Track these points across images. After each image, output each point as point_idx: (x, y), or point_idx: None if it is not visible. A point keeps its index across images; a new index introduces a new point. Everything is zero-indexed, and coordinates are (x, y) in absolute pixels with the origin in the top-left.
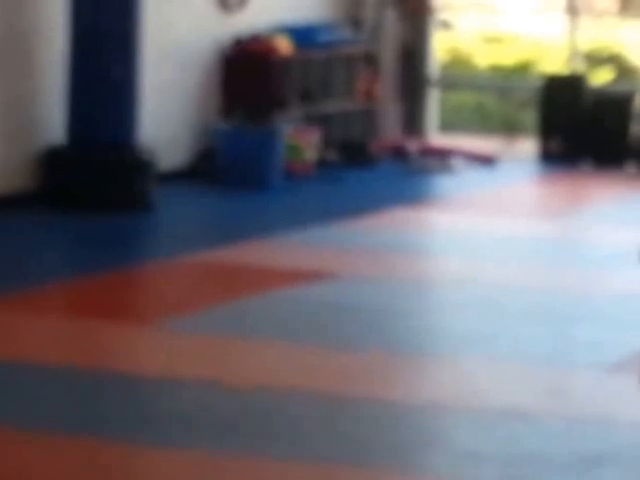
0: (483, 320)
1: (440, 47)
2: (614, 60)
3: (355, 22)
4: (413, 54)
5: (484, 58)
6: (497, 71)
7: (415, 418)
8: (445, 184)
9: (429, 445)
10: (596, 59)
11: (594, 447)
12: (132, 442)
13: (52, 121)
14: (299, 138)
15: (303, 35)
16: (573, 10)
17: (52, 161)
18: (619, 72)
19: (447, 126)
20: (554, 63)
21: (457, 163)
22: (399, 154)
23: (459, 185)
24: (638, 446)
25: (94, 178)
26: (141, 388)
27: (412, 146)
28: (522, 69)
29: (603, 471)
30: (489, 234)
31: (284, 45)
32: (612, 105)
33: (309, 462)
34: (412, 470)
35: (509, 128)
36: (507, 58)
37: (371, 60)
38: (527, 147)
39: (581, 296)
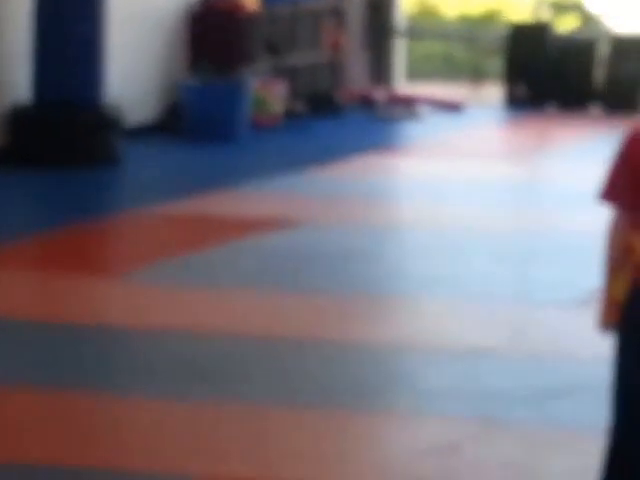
0: (447, 262)
1: None
2: (578, 8)
3: None
4: (379, 6)
5: (451, 8)
6: (464, 21)
7: (381, 358)
8: (412, 131)
9: (394, 384)
10: (561, 7)
11: (552, 382)
12: (101, 392)
13: (19, 81)
14: (266, 90)
15: None
16: None
17: (19, 120)
18: (583, 20)
19: (416, 75)
20: (520, 12)
21: (424, 110)
22: (366, 103)
23: (426, 131)
24: (594, 380)
25: (61, 136)
26: (110, 339)
27: (379, 95)
28: (489, 18)
29: (560, 403)
30: (455, 178)
31: (250, 1)
32: (576, 51)
33: (279, 405)
34: (378, 409)
35: (475, 75)
36: (474, 8)
37: (337, 12)
38: (493, 93)
39: (543, 236)
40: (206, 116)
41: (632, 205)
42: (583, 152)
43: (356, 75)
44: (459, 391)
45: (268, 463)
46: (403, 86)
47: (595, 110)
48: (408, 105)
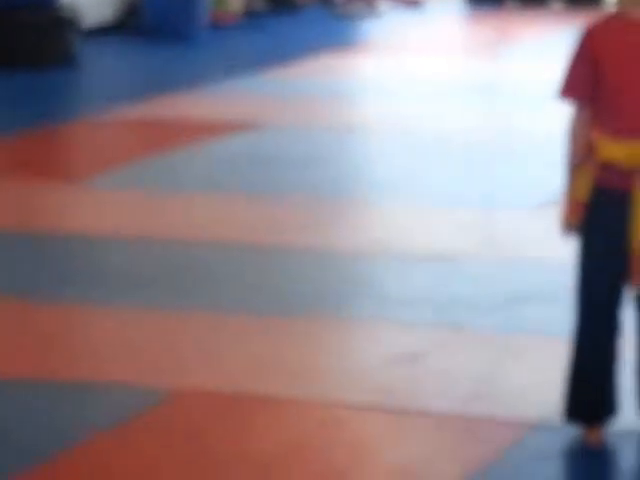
0: (411, 164)
1: None
2: None
3: None
4: None
5: None
6: None
7: (344, 265)
8: (371, 28)
9: (359, 291)
10: None
11: (518, 287)
12: (56, 300)
13: None
14: None
15: None
16: None
17: None
18: None
19: None
20: None
21: (383, 6)
22: (325, 0)
23: (385, 28)
24: (559, 284)
25: (16, 37)
26: (67, 246)
27: None
28: None
29: (526, 309)
30: (416, 77)
31: None
32: None
33: (241, 314)
34: (342, 317)
35: None
36: None
37: None
38: None
39: (505, 136)
40: (164, 15)
41: (592, 99)
42: (544, 48)
43: None
44: (425, 298)
45: (233, 374)
46: None
47: (556, 4)
48: (367, 1)
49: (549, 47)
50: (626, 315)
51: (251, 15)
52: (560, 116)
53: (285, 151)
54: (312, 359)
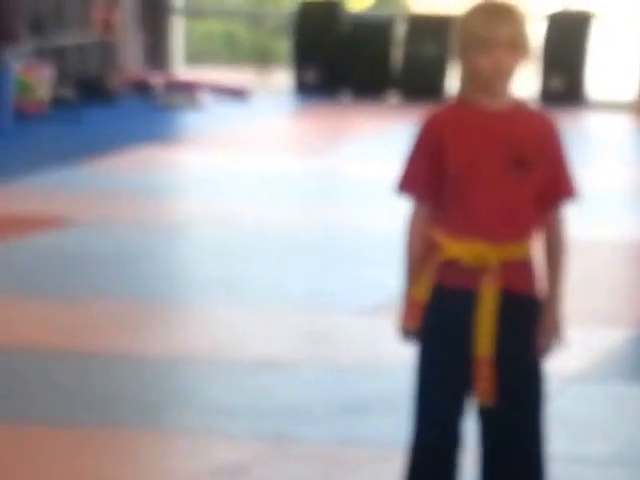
0: (234, 264)
1: None
2: None
3: None
4: None
5: None
6: None
7: (161, 372)
8: (193, 120)
9: (177, 400)
10: None
11: (352, 395)
12: None
13: None
14: (30, 74)
15: None
16: None
17: None
18: None
19: (194, 58)
20: None
21: (206, 97)
22: (142, 89)
23: (209, 121)
24: (396, 392)
25: None
26: None
27: (156, 80)
28: None
29: (359, 418)
30: (241, 173)
31: None
32: (371, 32)
33: (45, 424)
34: (161, 427)
35: (261, 58)
36: None
37: None
38: (282, 78)
39: (339, 235)
40: None
41: (431, 197)
42: (380, 143)
43: (130, 57)
44: (249, 407)
45: None
46: (182, 70)
47: (393, 97)
48: (188, 92)
49: (384, 142)
50: (468, 426)
51: (59, 103)
52: (395, 214)
53: (95, 249)
54: (126, 473)
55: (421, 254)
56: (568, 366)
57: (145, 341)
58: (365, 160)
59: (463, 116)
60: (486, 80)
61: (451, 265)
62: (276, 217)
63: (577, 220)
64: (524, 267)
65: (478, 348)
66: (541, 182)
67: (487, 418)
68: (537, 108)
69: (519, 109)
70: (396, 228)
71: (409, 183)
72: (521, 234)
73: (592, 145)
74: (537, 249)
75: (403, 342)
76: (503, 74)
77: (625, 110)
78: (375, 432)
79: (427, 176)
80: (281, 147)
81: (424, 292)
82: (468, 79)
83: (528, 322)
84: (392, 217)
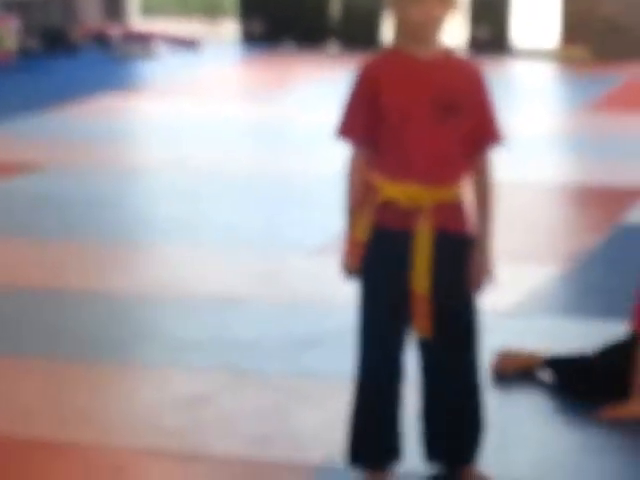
0: (188, 207)
1: None
2: None
3: None
4: None
5: None
6: None
7: (123, 309)
8: (149, 70)
9: (139, 336)
10: None
11: (302, 330)
12: None
13: None
14: None
15: None
16: None
17: None
18: None
19: (149, 10)
20: None
21: (160, 48)
22: (101, 40)
23: (163, 70)
24: (342, 328)
25: None
26: None
27: (114, 31)
28: None
29: (311, 353)
30: (193, 119)
31: None
32: None
33: (16, 358)
34: (124, 362)
35: (210, 10)
36: None
37: None
38: (229, 29)
39: (285, 179)
40: None
41: (369, 141)
42: (321, 91)
43: (89, 9)
44: (208, 342)
45: (11, 418)
46: (138, 22)
47: (332, 47)
48: (144, 42)
49: (326, 90)
50: (409, 359)
51: (25, 54)
52: (337, 158)
53: (63, 193)
54: (94, 404)
55: (360, 196)
56: (500, 302)
57: (110, 280)
58: (309, 106)
59: (396, 64)
60: (417, 30)
61: (388, 207)
62: (228, 162)
63: (504, 163)
64: (456, 208)
65: (415, 285)
66: (469, 127)
67: (426, 351)
68: (464, 57)
69: (448, 58)
70: (336, 172)
71: (347, 128)
72: (452, 177)
73: (518, 92)
74: (468, 192)
75: (347, 280)
76: (433, 24)
77: (548, 58)
78: (325, 365)
79: (364, 121)
80: (230, 94)
81: (363, 232)
82: (400, 29)
83: (462, 260)
84: (336, 161)
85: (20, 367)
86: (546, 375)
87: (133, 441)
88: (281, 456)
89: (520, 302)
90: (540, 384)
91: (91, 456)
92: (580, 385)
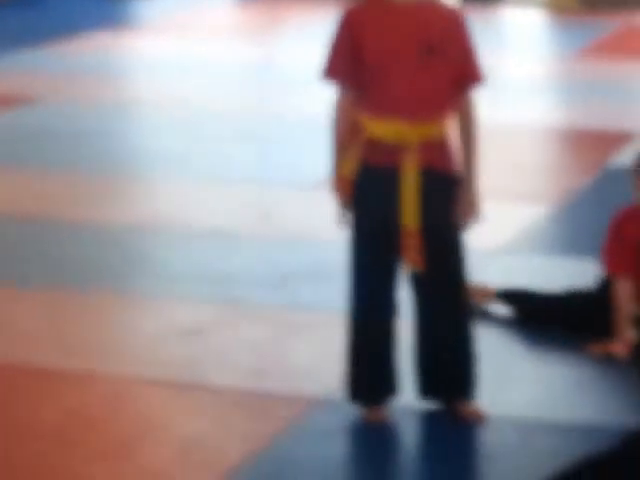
0: (183, 142)
1: None
2: None
3: None
4: None
5: None
6: None
7: (119, 240)
8: (145, 7)
9: (135, 267)
10: None
11: (294, 264)
12: None
13: None
14: None
15: None
16: None
17: None
18: None
19: None
20: None
21: None
22: None
23: (160, 8)
24: (333, 262)
25: None
26: None
27: None
28: None
29: (301, 286)
30: (190, 57)
31: None
32: None
33: (11, 287)
34: (118, 292)
35: None
36: None
37: None
38: None
39: (279, 117)
40: None
41: (354, 81)
42: (316, 32)
43: None
44: (202, 274)
45: (7, 347)
46: None
47: None
48: None
49: (317, 30)
50: (402, 294)
51: None
52: (330, 98)
53: (59, 126)
54: (91, 333)
55: (347, 135)
56: (489, 241)
57: (107, 211)
58: (301, 46)
59: (379, 9)
60: None
61: (375, 144)
62: (220, 99)
63: (495, 106)
64: (442, 146)
65: (404, 220)
66: (451, 68)
67: (417, 286)
68: (444, 2)
69: (429, 2)
70: (327, 112)
71: (332, 70)
72: (436, 114)
73: (507, 38)
74: (453, 132)
75: (340, 214)
76: None
77: (538, 5)
78: (320, 298)
79: (348, 63)
80: (226, 33)
81: (350, 170)
82: None
83: (449, 196)
84: (330, 100)
85: (18, 296)
86: (499, 308)
87: (130, 370)
88: (277, 389)
89: (509, 240)
90: (496, 317)
91: (87, 383)
92: (541, 319)
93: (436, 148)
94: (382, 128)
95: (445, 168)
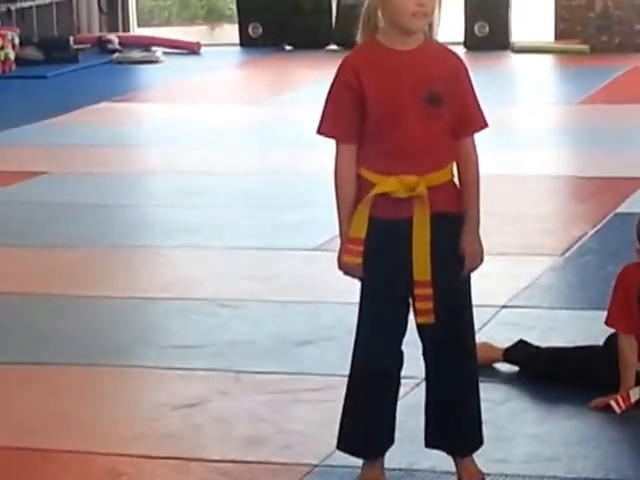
0: (190, 209)
1: None
2: None
3: None
4: None
5: None
6: None
7: (121, 312)
8: (150, 75)
9: (139, 339)
10: None
11: (298, 330)
12: None
13: None
14: None
15: None
16: None
17: None
18: None
19: (149, 17)
20: None
21: (160, 53)
22: (102, 47)
23: (164, 75)
24: (339, 326)
25: None
26: None
27: (114, 38)
28: None
29: (306, 352)
30: (197, 122)
31: None
32: None
33: (19, 366)
34: (120, 365)
35: (210, 16)
36: None
37: None
38: (229, 34)
39: (285, 180)
40: None
41: (354, 136)
42: (320, 90)
43: (89, 17)
44: (205, 344)
45: (11, 428)
46: (138, 29)
47: (331, 47)
48: (145, 49)
49: (324, 89)
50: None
51: (25, 63)
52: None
53: (69, 198)
54: (90, 407)
55: (352, 193)
56: (496, 293)
57: (109, 283)
58: (307, 107)
59: (377, 56)
60: (407, 21)
61: (383, 199)
62: (227, 163)
63: (504, 155)
64: (448, 187)
65: (417, 272)
66: (453, 115)
67: (427, 335)
68: (443, 45)
69: (428, 47)
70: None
71: (329, 125)
72: (442, 163)
73: (516, 85)
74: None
75: (344, 277)
76: (426, 18)
77: (546, 52)
78: (323, 365)
79: (347, 117)
80: (231, 97)
81: (360, 228)
82: (389, 21)
83: (458, 238)
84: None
85: (16, 374)
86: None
87: (130, 446)
88: (276, 457)
89: (516, 294)
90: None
91: (88, 462)
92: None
93: (444, 190)
94: (390, 184)
95: (454, 208)
